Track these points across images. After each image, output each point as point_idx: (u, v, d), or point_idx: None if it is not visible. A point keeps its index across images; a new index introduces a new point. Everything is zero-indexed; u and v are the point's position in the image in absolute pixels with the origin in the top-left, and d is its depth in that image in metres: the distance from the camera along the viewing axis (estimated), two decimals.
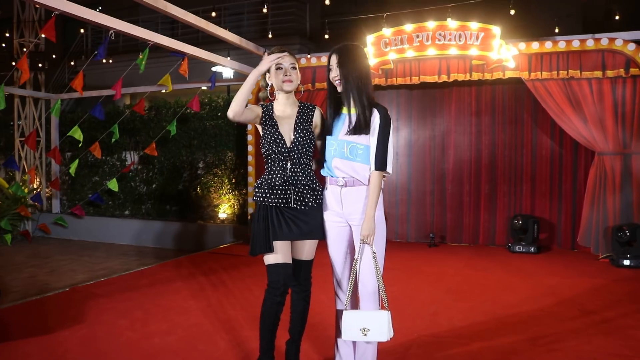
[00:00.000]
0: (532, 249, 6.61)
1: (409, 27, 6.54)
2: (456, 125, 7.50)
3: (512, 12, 6.96)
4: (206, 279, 5.44)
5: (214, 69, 9.26)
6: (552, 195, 7.07)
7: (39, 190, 10.25)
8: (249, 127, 7.85)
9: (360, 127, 2.71)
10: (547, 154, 7.09)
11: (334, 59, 2.77)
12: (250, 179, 7.89)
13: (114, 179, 8.30)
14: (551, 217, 7.07)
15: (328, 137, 2.84)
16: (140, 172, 9.69)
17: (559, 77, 6.31)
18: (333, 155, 2.80)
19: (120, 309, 4.36)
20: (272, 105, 2.91)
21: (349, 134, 2.74)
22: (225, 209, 8.89)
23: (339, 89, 2.78)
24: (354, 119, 2.74)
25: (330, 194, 2.83)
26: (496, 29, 6.26)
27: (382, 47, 6.65)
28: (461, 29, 6.35)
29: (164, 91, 7.39)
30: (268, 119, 2.85)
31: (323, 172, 2.89)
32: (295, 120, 2.86)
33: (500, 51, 6.31)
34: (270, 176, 2.82)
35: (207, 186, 9.12)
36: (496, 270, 5.75)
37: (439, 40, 6.43)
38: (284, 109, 2.88)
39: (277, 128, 2.83)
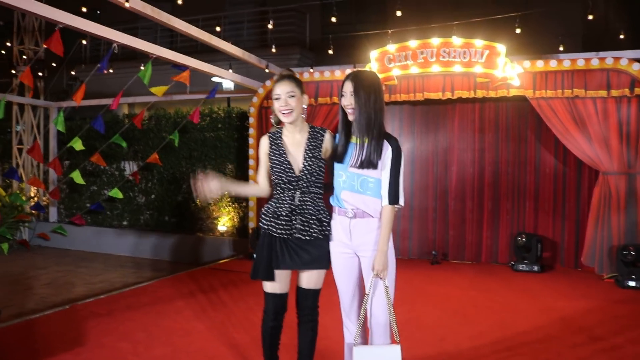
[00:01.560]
0: (536, 268, 6.56)
1: (413, 43, 6.50)
2: (459, 142, 7.44)
3: (518, 30, 6.93)
4: (207, 297, 5.36)
5: (214, 79, 9.21)
6: (555, 213, 7.02)
7: (36, 199, 10.14)
8: (251, 140, 7.76)
9: (368, 162, 2.63)
10: (550, 172, 7.05)
11: (349, 86, 2.66)
12: None
13: (116, 188, 8.22)
14: (554, 236, 7.02)
15: (337, 166, 2.76)
16: (139, 183, 9.60)
17: (564, 95, 6.30)
18: (342, 187, 2.72)
19: (122, 330, 4.28)
20: (282, 131, 2.85)
21: (359, 167, 2.66)
22: (224, 222, 8.81)
23: (350, 118, 2.70)
24: (363, 150, 2.65)
25: (339, 224, 2.76)
26: (501, 47, 6.24)
27: (386, 63, 6.62)
28: (466, 46, 6.33)
29: (155, 95, 7.31)
30: (275, 147, 2.81)
31: (331, 201, 2.82)
32: (305, 148, 2.79)
33: (505, 69, 6.29)
34: (277, 204, 2.78)
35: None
36: (501, 291, 5.69)
37: (444, 57, 6.40)
38: (293, 135, 2.83)
39: (286, 157, 2.78)
